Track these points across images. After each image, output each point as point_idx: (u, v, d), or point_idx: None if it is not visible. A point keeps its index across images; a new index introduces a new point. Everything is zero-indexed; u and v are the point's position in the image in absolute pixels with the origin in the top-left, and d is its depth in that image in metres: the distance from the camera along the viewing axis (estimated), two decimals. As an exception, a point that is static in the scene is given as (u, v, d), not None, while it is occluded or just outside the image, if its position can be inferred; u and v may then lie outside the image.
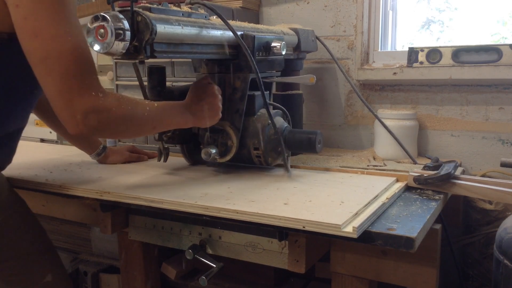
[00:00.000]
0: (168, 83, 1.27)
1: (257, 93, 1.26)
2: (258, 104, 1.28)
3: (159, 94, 1.22)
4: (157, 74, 1.22)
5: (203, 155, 1.22)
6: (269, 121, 1.23)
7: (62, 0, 0.90)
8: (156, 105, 1.05)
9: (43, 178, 1.23)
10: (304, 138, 1.24)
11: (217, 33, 1.14)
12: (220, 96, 1.19)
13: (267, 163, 1.26)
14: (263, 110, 1.27)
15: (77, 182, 1.18)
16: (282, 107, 1.32)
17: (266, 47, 1.27)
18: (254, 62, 1.16)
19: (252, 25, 1.31)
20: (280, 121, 1.28)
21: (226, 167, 1.35)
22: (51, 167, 1.38)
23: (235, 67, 1.24)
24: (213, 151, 1.21)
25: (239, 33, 1.19)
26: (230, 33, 1.16)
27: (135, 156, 1.47)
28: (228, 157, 1.24)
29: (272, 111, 1.27)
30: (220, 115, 1.19)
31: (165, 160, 1.30)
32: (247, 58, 1.18)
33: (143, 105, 1.02)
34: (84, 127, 0.91)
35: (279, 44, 1.26)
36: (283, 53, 1.28)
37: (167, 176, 1.28)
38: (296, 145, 1.24)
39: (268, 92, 1.34)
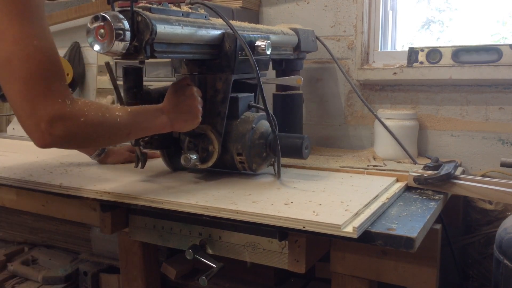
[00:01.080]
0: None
1: (241, 95, 1.22)
2: (242, 107, 1.22)
3: (135, 96, 1.14)
4: (133, 74, 1.14)
5: (182, 162, 1.15)
6: (254, 125, 1.18)
7: (27, 2, 0.85)
8: (129, 110, 0.99)
9: (43, 178, 1.23)
10: (290, 143, 1.17)
11: (206, 32, 1.10)
12: (199, 99, 1.12)
13: (252, 169, 1.20)
14: (248, 113, 1.22)
15: (77, 182, 1.18)
16: (268, 110, 1.21)
17: (250, 47, 1.18)
18: (255, 62, 1.13)
19: (252, 25, 1.31)
20: (265, 125, 1.22)
21: (211, 173, 1.27)
22: (51, 167, 1.38)
23: (216, 67, 1.17)
24: (194, 157, 1.15)
25: (219, 31, 1.14)
26: (213, 32, 1.12)
27: (135, 156, 1.46)
28: (209, 163, 1.17)
29: (258, 114, 1.22)
30: (200, 118, 1.12)
31: (143, 166, 1.23)
32: (229, 57, 1.13)
33: (115, 110, 0.96)
34: (50, 136, 0.85)
35: (264, 44, 1.19)
36: (268, 52, 1.21)
37: (167, 176, 1.28)
38: (282, 150, 1.17)
39: (254, 94, 1.28)
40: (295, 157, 1.18)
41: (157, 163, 1.43)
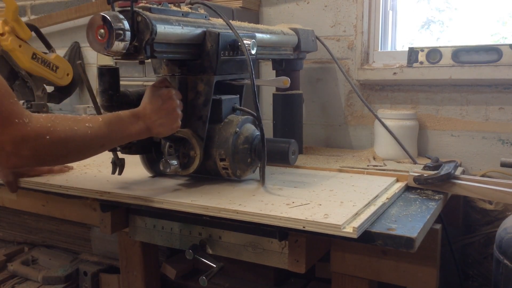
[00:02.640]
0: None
1: (225, 97, 1.16)
2: (225, 110, 1.16)
3: (111, 99, 1.07)
4: (109, 75, 1.07)
5: (161, 167, 1.09)
6: (237, 129, 1.12)
7: None
8: (100, 119, 0.94)
9: (43, 178, 1.23)
10: (276, 148, 1.11)
11: (186, 31, 1.04)
12: (178, 101, 1.06)
13: (236, 175, 1.14)
14: (232, 116, 1.16)
15: (77, 182, 1.18)
16: (253, 113, 1.15)
17: (233, 46, 1.13)
18: (251, 63, 1.08)
19: (252, 25, 1.31)
20: (250, 129, 1.16)
21: (195, 180, 1.20)
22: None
23: (197, 68, 1.10)
24: (174, 162, 1.09)
25: (199, 30, 1.08)
26: (194, 30, 1.05)
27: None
28: (191, 170, 1.11)
29: (242, 118, 1.16)
30: (180, 123, 1.06)
31: (120, 173, 1.16)
32: (210, 58, 1.07)
33: (84, 122, 0.91)
34: (18, 159, 0.82)
35: (248, 43, 1.12)
36: (253, 52, 1.14)
37: (167, 176, 1.28)
38: (268, 156, 1.11)
39: (239, 96, 1.22)
40: (282, 163, 1.12)
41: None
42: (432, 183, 1.17)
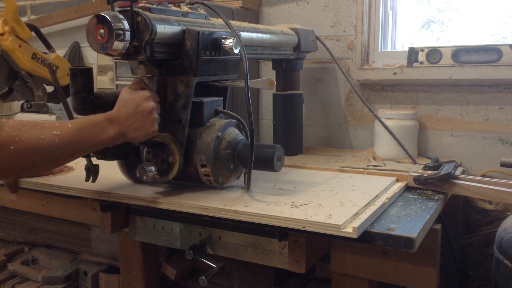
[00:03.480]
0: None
1: (206, 99, 1.10)
2: (207, 113, 1.10)
3: (84, 101, 1.01)
4: (81, 76, 1.01)
5: (138, 174, 1.03)
6: (219, 133, 1.06)
7: None
8: (70, 125, 0.87)
9: (43, 178, 1.23)
10: (260, 154, 1.04)
11: (163, 28, 0.98)
12: (155, 104, 0.99)
13: (218, 182, 1.08)
14: (214, 120, 1.10)
15: (77, 182, 1.18)
16: (237, 116, 1.12)
17: (215, 45, 1.06)
18: (247, 63, 1.02)
19: (252, 25, 1.31)
20: (234, 133, 1.10)
21: (176, 187, 1.14)
22: (51, 167, 1.38)
23: (177, 68, 1.05)
24: (152, 169, 1.03)
25: (178, 28, 1.02)
26: (172, 28, 1.00)
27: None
28: (170, 176, 1.06)
29: (225, 121, 1.10)
30: (156, 127, 0.99)
31: (94, 180, 1.10)
32: (190, 57, 1.02)
33: (52, 129, 0.85)
34: None
35: (232, 42, 1.06)
36: (236, 52, 1.08)
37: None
38: (253, 161, 1.04)
39: (223, 98, 1.17)
40: (266, 169, 1.06)
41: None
42: (432, 183, 1.17)
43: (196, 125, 1.08)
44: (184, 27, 1.03)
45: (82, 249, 1.90)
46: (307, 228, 0.89)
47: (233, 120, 1.13)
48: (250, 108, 1.03)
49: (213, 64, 1.08)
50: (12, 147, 0.78)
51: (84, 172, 1.12)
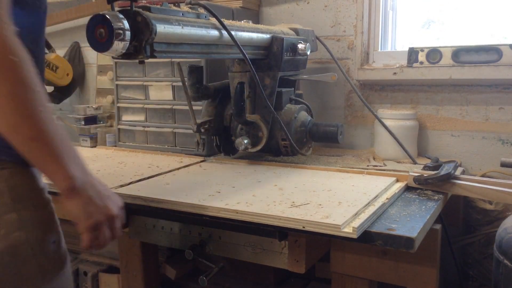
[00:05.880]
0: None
1: (284, 89, 1.42)
2: (284, 100, 1.42)
3: (198, 90, 1.37)
4: (196, 72, 1.35)
5: (236, 145, 1.35)
6: (296, 115, 1.39)
7: None
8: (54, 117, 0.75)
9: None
10: (327, 130, 1.38)
11: (255, 36, 1.28)
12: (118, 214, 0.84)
13: (293, 152, 1.42)
14: (290, 105, 1.42)
15: (77, 182, 1.18)
16: (306, 103, 1.47)
17: (293, 48, 1.38)
18: (249, 64, 1.14)
19: (252, 25, 1.31)
20: (304, 115, 1.43)
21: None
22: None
23: (265, 66, 1.35)
24: (246, 141, 1.34)
25: (268, 35, 1.33)
26: (263, 36, 1.31)
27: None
28: (258, 147, 1.38)
29: (298, 106, 1.42)
30: (114, 211, 0.84)
31: (203, 150, 1.49)
32: (276, 58, 1.33)
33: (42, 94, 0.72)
34: None
35: (304, 46, 1.40)
36: (308, 53, 1.42)
37: (168, 176, 1.28)
38: (320, 137, 1.40)
39: (293, 89, 1.49)
40: (332, 142, 1.41)
41: (157, 162, 1.43)
42: (432, 183, 1.17)
43: (276, 108, 1.38)
44: (271, 35, 1.34)
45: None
46: (307, 228, 0.89)
47: (303, 105, 1.46)
48: (267, 102, 1.32)
49: (290, 62, 1.41)
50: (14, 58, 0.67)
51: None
